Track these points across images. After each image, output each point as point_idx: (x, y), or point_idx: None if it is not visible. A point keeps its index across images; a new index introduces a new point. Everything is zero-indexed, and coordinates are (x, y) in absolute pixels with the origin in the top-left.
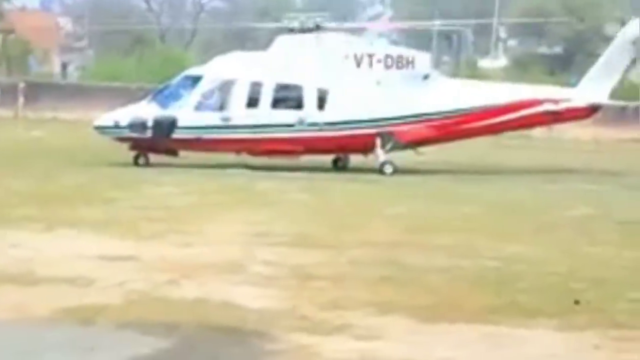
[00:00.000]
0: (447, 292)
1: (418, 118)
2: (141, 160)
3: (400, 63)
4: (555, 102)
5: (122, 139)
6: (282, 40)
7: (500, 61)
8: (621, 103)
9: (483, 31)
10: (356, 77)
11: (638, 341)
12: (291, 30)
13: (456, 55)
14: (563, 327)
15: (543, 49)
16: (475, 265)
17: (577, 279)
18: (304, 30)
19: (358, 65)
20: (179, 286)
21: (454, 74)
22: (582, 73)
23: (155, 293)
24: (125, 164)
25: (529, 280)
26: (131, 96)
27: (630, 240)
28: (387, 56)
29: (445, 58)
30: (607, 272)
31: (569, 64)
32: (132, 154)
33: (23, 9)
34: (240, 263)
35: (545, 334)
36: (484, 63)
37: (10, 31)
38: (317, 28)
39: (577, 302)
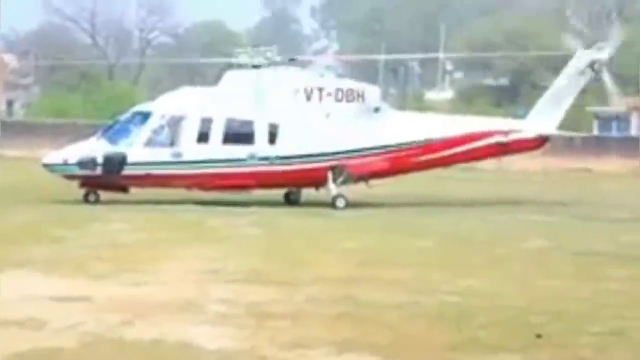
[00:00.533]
0: (406, 329)
1: (369, 151)
2: (91, 198)
3: (351, 96)
4: (505, 133)
5: (72, 177)
6: (231, 75)
7: (446, 93)
8: (569, 133)
9: (429, 63)
10: (306, 111)
11: None
12: (240, 66)
13: (403, 87)
14: None
15: (489, 81)
16: (433, 300)
17: (536, 312)
18: (253, 65)
19: (308, 99)
20: (133, 327)
21: (401, 106)
22: (528, 104)
23: (109, 334)
24: (74, 202)
25: (488, 315)
26: (78, 132)
27: (586, 272)
28: (338, 89)
29: (392, 90)
30: (565, 305)
31: (515, 95)
32: (82, 191)
33: None
34: (195, 302)
35: None
36: (431, 95)
37: None
38: (266, 63)
39: (539, 336)
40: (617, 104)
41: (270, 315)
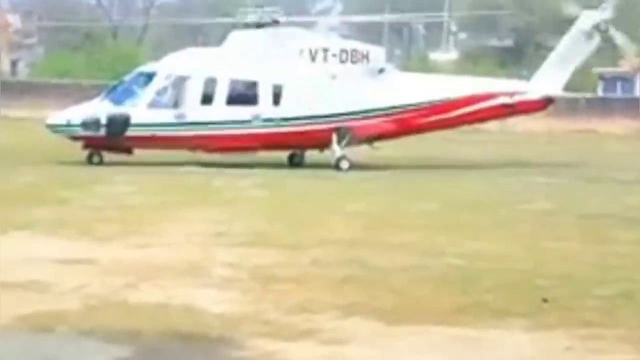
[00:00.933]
0: (412, 293)
1: (374, 113)
2: (95, 159)
3: (355, 57)
4: (510, 95)
5: (75, 138)
6: (235, 36)
7: (451, 54)
8: (574, 95)
9: (434, 24)
10: (311, 72)
11: (608, 340)
12: (245, 26)
13: (407, 48)
14: (532, 328)
15: (494, 42)
16: (439, 263)
17: (543, 275)
18: (258, 25)
19: (313, 60)
20: (138, 290)
21: (405, 67)
22: (533, 65)
23: (114, 298)
24: (78, 163)
25: (494, 278)
26: (82, 93)
27: (592, 234)
28: (342, 50)
29: (397, 52)
30: (572, 268)
31: (519, 56)
32: (86, 152)
33: None
34: (200, 265)
35: (515, 336)
36: (435, 56)
37: None
38: (271, 22)
39: (545, 301)
40: (633, 58)
41: (275, 279)
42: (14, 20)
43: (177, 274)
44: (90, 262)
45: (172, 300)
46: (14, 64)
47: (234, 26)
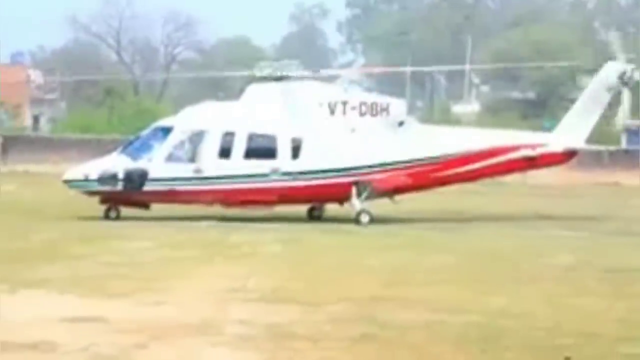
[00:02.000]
0: (430, 352)
1: (394, 166)
2: (112, 214)
3: (375, 110)
4: (532, 147)
5: (92, 193)
6: (254, 89)
7: (473, 106)
8: (597, 147)
9: (455, 77)
10: (330, 125)
11: None
12: (263, 79)
13: (429, 100)
14: None
15: (516, 94)
16: (458, 320)
17: (566, 333)
18: (275, 78)
19: (332, 112)
20: (148, 350)
21: (427, 119)
22: (555, 117)
23: (122, 358)
24: (95, 218)
25: (515, 337)
26: (104, 148)
27: (616, 290)
28: (362, 103)
29: (419, 104)
30: (596, 325)
31: (542, 108)
32: (103, 207)
33: None
34: (214, 323)
35: None
36: (457, 108)
37: None
38: (289, 76)
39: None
40: None
41: (291, 337)
42: (36, 76)
43: (189, 332)
44: (100, 320)
45: None
46: (36, 119)
47: (252, 80)
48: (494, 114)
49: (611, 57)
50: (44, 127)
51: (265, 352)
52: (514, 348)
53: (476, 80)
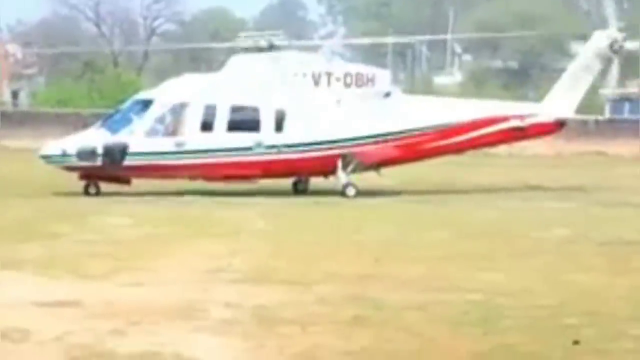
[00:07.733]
0: (429, 335)
1: (380, 138)
2: (92, 190)
3: (360, 81)
4: (522, 118)
5: (71, 168)
6: (235, 61)
7: (455, 77)
8: (585, 117)
9: (437, 47)
10: (315, 97)
11: None
12: (245, 50)
13: (411, 72)
14: None
15: (498, 64)
16: (456, 299)
17: (570, 313)
18: (258, 49)
19: (316, 84)
20: (125, 337)
21: (410, 91)
22: (537, 87)
23: (99, 347)
24: (75, 194)
25: (517, 317)
26: (83, 122)
27: (617, 265)
28: (347, 74)
29: (401, 75)
30: (599, 304)
31: (524, 78)
32: (82, 183)
33: None
34: (197, 306)
35: None
36: (439, 80)
37: None
38: (272, 47)
39: (576, 343)
40: None
41: (279, 321)
42: (15, 50)
43: (170, 316)
44: (76, 304)
45: (162, 348)
46: (15, 94)
47: (234, 51)
48: (477, 84)
49: (595, 27)
50: (23, 102)
51: (253, 338)
52: (517, 329)
53: (458, 49)
